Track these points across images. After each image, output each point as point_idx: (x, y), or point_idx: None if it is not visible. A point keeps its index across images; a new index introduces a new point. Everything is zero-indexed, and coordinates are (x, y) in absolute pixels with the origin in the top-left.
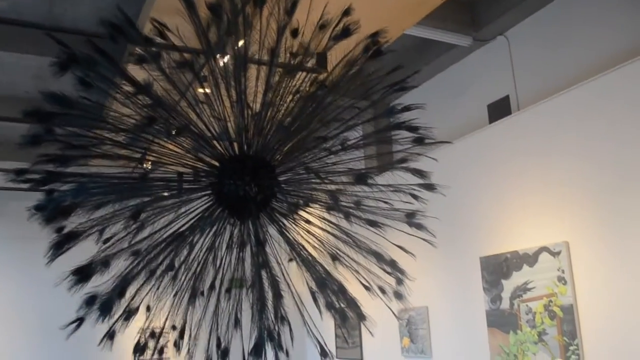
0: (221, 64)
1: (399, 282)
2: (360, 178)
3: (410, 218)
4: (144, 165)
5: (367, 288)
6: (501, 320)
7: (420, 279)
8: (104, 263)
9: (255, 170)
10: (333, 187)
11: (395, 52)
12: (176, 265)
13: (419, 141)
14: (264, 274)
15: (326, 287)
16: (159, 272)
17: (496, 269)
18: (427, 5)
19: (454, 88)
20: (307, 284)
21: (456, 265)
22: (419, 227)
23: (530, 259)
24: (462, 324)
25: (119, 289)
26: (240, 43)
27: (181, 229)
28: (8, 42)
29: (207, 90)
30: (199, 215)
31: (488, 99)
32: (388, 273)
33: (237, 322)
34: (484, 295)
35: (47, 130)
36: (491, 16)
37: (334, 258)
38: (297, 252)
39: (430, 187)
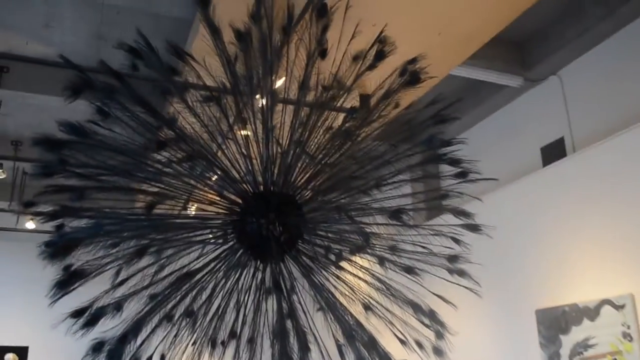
0: (252, 102)
1: (439, 335)
2: (395, 215)
3: (452, 262)
4: (188, 207)
5: (402, 342)
6: None
7: (467, 333)
8: (117, 306)
9: (280, 207)
10: (365, 228)
11: (440, 94)
12: (195, 310)
13: (462, 176)
14: (289, 323)
15: (354, 339)
16: (176, 317)
17: (554, 324)
18: (473, 43)
19: (506, 130)
20: (334, 335)
21: (509, 318)
22: (462, 273)
23: (591, 312)
24: None
25: (131, 335)
26: (279, 81)
27: (202, 271)
28: (54, 86)
29: (242, 131)
30: (221, 257)
31: (541, 141)
32: (426, 326)
33: None
34: (540, 352)
35: (60, 161)
36: (542, 55)
37: (367, 307)
38: (325, 299)
39: (474, 228)
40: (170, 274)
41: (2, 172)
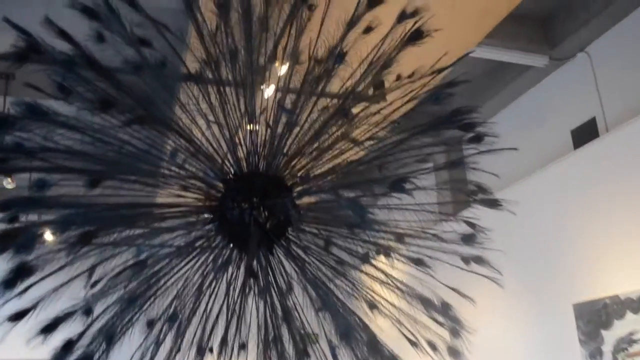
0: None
1: (455, 334)
2: (396, 186)
3: (467, 241)
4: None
5: (413, 343)
6: None
7: (496, 331)
8: (87, 310)
9: (266, 191)
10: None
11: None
12: (179, 314)
13: (477, 140)
14: (282, 326)
15: (351, 339)
16: (159, 323)
17: (593, 318)
18: (490, 17)
19: (533, 114)
20: (326, 337)
21: (544, 313)
22: (479, 261)
23: (634, 304)
24: None
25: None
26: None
27: (179, 268)
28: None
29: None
30: (201, 252)
31: (571, 123)
32: (439, 323)
33: None
34: (580, 349)
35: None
36: (567, 31)
37: (372, 306)
38: (322, 297)
39: (493, 204)
40: (144, 271)
41: (10, 182)
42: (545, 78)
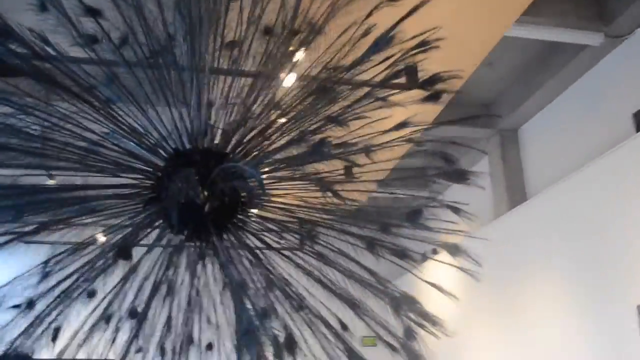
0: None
1: (408, 334)
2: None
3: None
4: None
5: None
6: None
7: (561, 331)
8: (29, 304)
9: (206, 167)
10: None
11: None
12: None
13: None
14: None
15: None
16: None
17: None
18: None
19: (589, 99)
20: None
21: (605, 315)
22: (455, 251)
23: None
24: None
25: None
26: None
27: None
28: None
29: None
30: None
31: (633, 105)
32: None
33: None
34: None
35: None
36: (623, 5)
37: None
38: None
39: (460, 177)
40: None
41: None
42: (602, 59)
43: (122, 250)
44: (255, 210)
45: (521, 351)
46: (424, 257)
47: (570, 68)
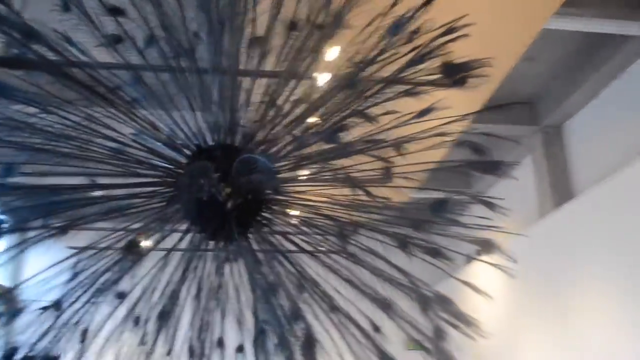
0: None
1: (438, 334)
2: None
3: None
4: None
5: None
6: None
7: (611, 334)
8: (56, 305)
9: (228, 164)
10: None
11: None
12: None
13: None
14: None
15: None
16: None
17: None
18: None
19: (636, 92)
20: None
21: None
22: (488, 247)
23: None
24: None
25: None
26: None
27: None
28: None
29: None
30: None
31: None
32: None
33: None
34: None
35: None
36: None
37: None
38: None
39: (492, 168)
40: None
41: None
42: None
43: (131, 248)
44: (295, 212)
45: (570, 355)
46: (468, 258)
47: (615, 60)
